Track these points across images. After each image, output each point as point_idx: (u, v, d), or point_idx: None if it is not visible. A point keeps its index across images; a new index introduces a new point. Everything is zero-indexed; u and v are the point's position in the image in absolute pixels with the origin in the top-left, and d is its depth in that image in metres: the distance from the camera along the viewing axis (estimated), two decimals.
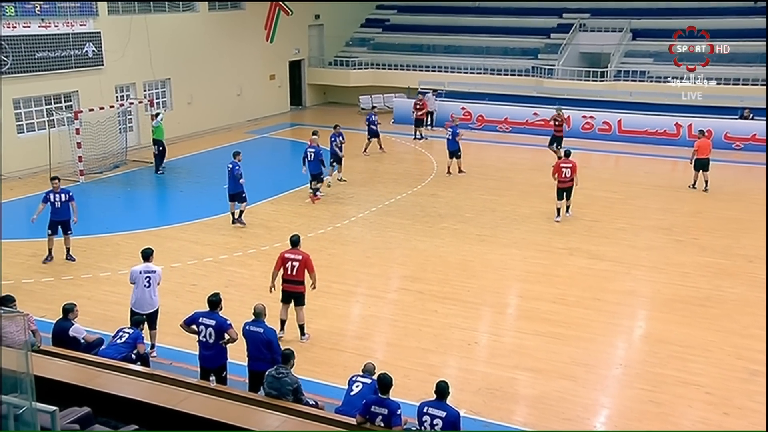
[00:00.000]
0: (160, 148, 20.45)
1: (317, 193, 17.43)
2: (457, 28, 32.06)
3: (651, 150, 23.24)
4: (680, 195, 18.45)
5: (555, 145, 21.59)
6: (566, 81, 27.42)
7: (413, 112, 25.56)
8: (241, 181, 15.41)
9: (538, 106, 25.98)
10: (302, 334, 10.62)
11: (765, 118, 21.97)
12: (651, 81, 26.54)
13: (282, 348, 8.27)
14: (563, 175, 15.87)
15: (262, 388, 7.91)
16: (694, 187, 18.69)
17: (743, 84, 24.87)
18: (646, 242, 15.01)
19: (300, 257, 10.40)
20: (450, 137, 20.30)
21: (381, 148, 22.86)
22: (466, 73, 29.74)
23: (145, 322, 9.65)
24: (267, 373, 7.78)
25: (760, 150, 21.81)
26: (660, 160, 19.81)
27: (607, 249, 14.52)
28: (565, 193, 16.05)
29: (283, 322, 10.58)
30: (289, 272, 10.36)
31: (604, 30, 29.71)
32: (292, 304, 10.54)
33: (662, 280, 13.04)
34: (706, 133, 19.35)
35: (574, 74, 27.52)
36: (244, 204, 15.70)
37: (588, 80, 27.21)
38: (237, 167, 15.46)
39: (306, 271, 10.39)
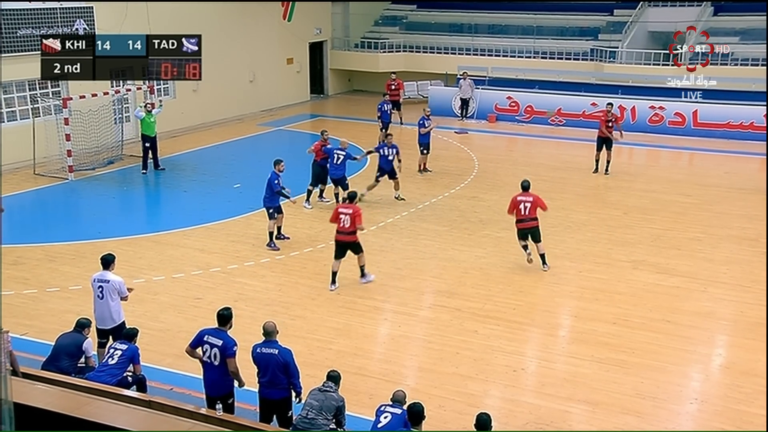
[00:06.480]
0: (148, 145, 20.39)
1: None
2: (503, 5, 31.98)
3: (733, 146, 22.92)
4: None
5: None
6: (631, 65, 27.22)
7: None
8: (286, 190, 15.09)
9: (598, 95, 25.79)
10: (362, 275, 13.24)
11: None
12: (736, 65, 26.18)
13: (332, 371, 8.46)
14: (522, 213, 13.81)
15: (300, 401, 8.35)
16: None
17: None
18: (727, 255, 14.81)
19: (351, 211, 12.90)
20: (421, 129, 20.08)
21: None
22: (513, 56, 29.73)
23: (136, 336, 9.60)
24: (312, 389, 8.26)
25: None
26: (744, 158, 19.51)
27: (678, 262, 14.37)
28: (529, 235, 13.90)
29: (334, 274, 13.12)
30: (341, 224, 12.92)
31: (679, 4, 29.42)
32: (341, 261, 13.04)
33: (747, 300, 12.83)
34: None
35: (641, 57, 27.29)
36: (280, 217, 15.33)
37: (658, 64, 26.95)
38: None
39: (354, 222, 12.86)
